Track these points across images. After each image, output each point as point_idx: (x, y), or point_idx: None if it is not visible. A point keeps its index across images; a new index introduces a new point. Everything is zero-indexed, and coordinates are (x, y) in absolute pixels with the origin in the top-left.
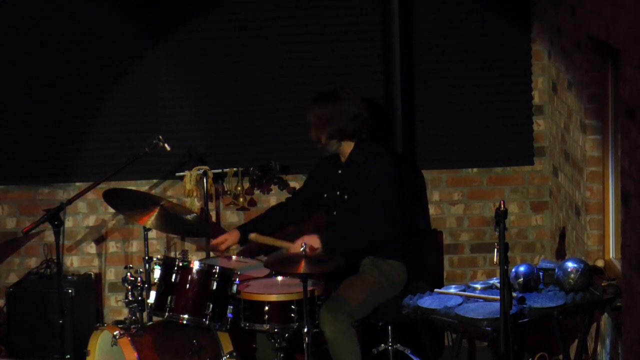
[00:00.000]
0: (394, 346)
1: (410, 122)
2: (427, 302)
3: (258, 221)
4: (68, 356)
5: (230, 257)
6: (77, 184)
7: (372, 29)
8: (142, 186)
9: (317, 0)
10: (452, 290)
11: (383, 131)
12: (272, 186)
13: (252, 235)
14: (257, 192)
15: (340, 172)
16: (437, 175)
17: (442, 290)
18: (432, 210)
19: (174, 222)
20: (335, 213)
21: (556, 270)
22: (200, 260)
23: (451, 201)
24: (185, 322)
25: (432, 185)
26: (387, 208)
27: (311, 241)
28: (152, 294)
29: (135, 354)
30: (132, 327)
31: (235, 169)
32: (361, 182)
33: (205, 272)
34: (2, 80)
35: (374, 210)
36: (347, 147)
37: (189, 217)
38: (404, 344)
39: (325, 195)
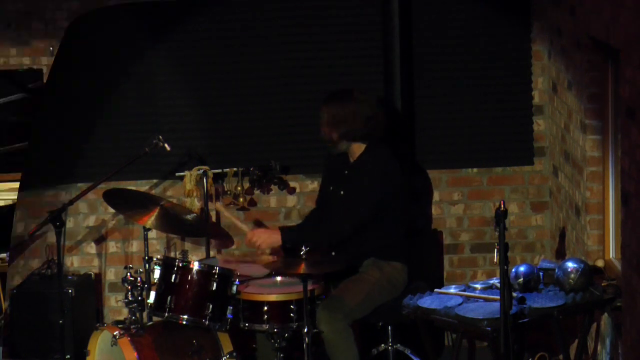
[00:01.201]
0: (394, 346)
1: (410, 122)
2: (427, 302)
3: (299, 227)
4: (68, 356)
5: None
6: (79, 184)
7: (372, 29)
8: (142, 186)
9: (317, 1)
10: (452, 290)
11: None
12: (272, 186)
13: (217, 204)
14: (257, 192)
15: (346, 172)
16: (437, 175)
17: (442, 290)
18: (433, 210)
19: (174, 222)
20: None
21: (556, 270)
22: (200, 261)
23: (451, 201)
24: (185, 322)
25: (432, 185)
26: (362, 215)
27: (272, 237)
28: (152, 294)
29: (135, 354)
30: (132, 327)
31: (235, 169)
32: (357, 183)
33: (205, 272)
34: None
35: (350, 210)
36: (358, 148)
37: (189, 217)
38: (404, 344)
39: (331, 188)
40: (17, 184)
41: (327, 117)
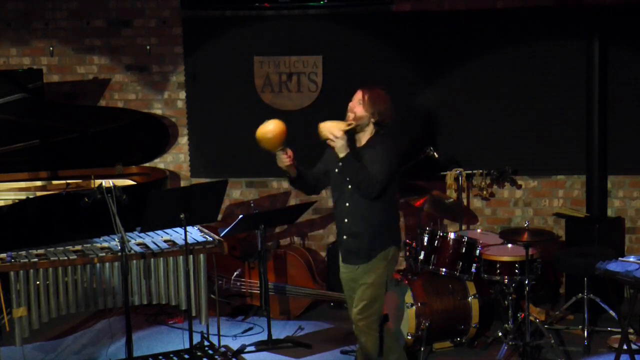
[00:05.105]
0: (589, 295)
1: (604, 141)
2: (613, 266)
3: (303, 169)
4: None
5: (475, 231)
6: None
7: (578, 71)
8: (418, 180)
9: (543, 51)
10: (632, 259)
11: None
12: (506, 183)
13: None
14: (495, 187)
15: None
16: (622, 179)
17: (624, 258)
18: (617, 203)
19: (439, 205)
20: (350, 187)
21: None
22: (454, 232)
23: (632, 197)
24: (443, 273)
25: (618, 186)
26: (388, 173)
27: (343, 147)
28: (422, 253)
29: (411, 292)
30: (408, 274)
31: (481, 170)
32: (374, 154)
33: (458, 240)
34: None
35: (379, 169)
36: (369, 133)
37: (448, 202)
38: (595, 294)
39: (336, 170)
40: (17, 184)
41: (369, 100)
